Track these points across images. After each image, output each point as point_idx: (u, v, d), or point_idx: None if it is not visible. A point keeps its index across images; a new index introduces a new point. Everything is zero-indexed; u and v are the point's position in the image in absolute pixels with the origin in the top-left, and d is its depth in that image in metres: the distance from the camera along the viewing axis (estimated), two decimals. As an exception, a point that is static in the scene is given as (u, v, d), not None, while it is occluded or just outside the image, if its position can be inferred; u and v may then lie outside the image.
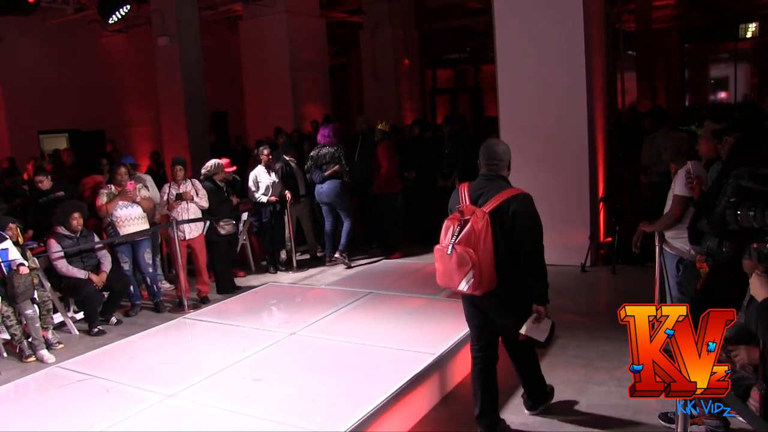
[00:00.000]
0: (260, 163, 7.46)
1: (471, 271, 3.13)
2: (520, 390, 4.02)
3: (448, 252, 3.16)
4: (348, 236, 7.57)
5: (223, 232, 6.74)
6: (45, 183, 6.65)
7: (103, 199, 6.17)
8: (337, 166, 7.38)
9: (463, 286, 3.18)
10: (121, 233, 6.16)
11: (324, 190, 7.45)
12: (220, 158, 7.27)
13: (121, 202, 6.18)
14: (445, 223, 3.27)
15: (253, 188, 7.41)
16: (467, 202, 3.25)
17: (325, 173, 7.40)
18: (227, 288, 6.79)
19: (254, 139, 10.80)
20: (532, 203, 3.25)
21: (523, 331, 3.29)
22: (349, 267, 7.44)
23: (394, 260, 7.61)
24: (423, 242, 8.42)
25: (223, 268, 6.89)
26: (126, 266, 6.26)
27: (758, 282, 2.13)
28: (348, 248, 7.64)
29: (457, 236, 3.14)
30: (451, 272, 3.19)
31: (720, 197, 3.08)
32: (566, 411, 3.75)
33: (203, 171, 6.90)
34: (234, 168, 8.00)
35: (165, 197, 6.48)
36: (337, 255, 7.55)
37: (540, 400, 3.73)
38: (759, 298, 2.12)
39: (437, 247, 3.26)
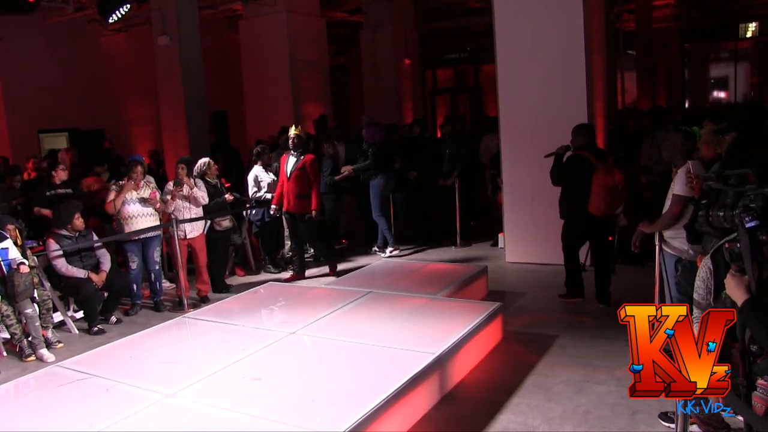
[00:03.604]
0: (258, 162, 7.49)
1: (623, 202, 5.54)
2: (521, 390, 4.04)
3: (619, 189, 5.34)
4: None
5: (219, 228, 6.80)
6: (62, 176, 6.73)
7: (110, 196, 6.18)
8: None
9: (618, 210, 5.62)
10: (133, 229, 6.16)
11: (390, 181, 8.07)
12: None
13: (133, 198, 6.18)
14: (601, 177, 5.29)
15: (255, 188, 7.43)
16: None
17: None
18: (218, 287, 6.80)
19: (254, 139, 10.80)
20: None
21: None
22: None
23: (394, 260, 7.60)
24: (424, 241, 8.47)
25: (218, 268, 6.90)
26: (134, 265, 6.25)
27: (732, 282, 2.15)
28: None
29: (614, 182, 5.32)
30: (614, 204, 5.39)
31: (720, 197, 3.07)
32: (566, 411, 3.75)
33: (195, 171, 6.89)
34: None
35: (167, 196, 6.48)
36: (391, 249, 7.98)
37: (606, 297, 5.58)
38: (734, 298, 2.13)
39: (605, 186, 5.25)
